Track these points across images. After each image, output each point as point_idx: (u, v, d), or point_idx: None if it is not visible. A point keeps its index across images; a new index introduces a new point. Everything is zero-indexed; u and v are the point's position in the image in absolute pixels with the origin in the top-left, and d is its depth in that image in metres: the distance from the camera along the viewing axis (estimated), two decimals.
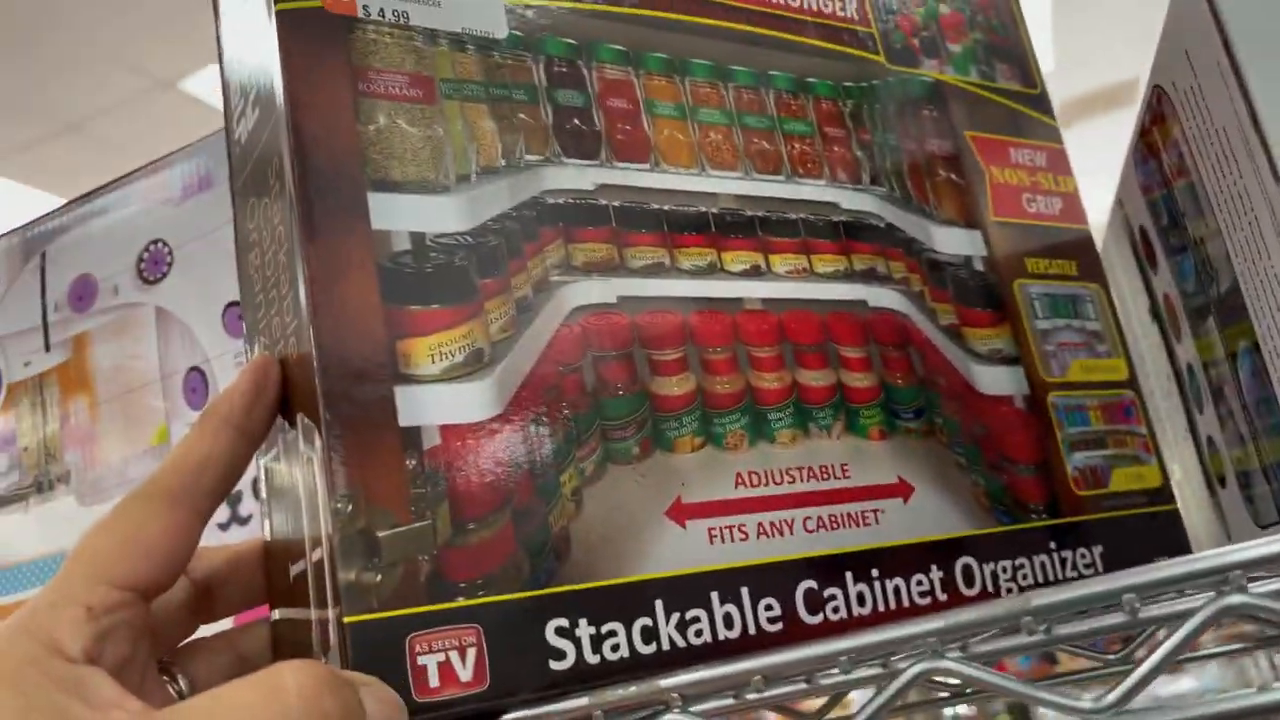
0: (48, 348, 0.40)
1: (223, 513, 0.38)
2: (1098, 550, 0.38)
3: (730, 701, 0.28)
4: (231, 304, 0.38)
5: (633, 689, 0.26)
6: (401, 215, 0.29)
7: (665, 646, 0.29)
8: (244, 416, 0.28)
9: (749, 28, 0.38)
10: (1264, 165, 0.26)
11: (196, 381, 0.38)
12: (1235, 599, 0.22)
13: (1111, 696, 0.22)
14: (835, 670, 0.26)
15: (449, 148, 0.31)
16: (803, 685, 0.28)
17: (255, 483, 0.39)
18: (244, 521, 0.37)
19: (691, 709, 0.25)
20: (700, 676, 0.25)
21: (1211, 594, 0.23)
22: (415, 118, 0.30)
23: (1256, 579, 0.23)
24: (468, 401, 0.29)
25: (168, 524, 0.26)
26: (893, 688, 0.24)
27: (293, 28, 0.30)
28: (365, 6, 0.30)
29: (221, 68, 0.34)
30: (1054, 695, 0.22)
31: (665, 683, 0.25)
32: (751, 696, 0.28)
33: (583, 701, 0.26)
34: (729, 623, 0.30)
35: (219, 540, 0.39)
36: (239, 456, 0.28)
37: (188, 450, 0.28)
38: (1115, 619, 0.27)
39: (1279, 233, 0.27)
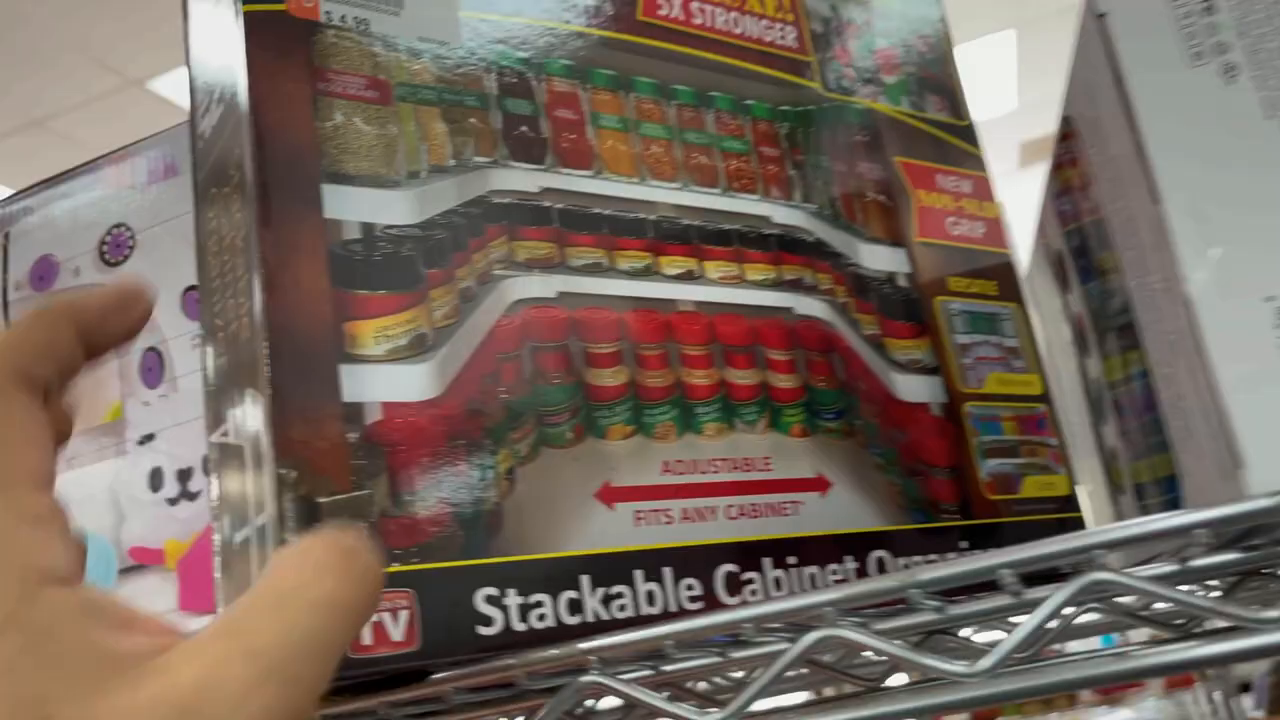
0: (7, 325, 0.42)
1: (173, 488, 0.39)
2: None
3: (649, 672, 0.30)
4: (190, 288, 0.40)
5: (553, 652, 0.27)
6: (353, 206, 0.31)
7: (590, 619, 0.31)
8: (96, 319, 0.23)
9: (692, 51, 0.40)
10: (1147, 187, 0.29)
11: (153, 361, 0.40)
12: (1098, 575, 0.24)
13: (985, 662, 0.25)
14: (745, 640, 0.28)
15: (402, 146, 0.33)
16: (716, 658, 0.31)
17: (205, 459, 0.41)
18: (193, 497, 0.39)
19: (609, 672, 0.27)
20: (616, 640, 0.27)
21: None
22: (371, 117, 0.32)
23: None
24: (409, 382, 0.30)
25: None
26: (793, 651, 0.26)
27: (257, 29, 0.32)
28: (327, 12, 0.33)
29: (189, 65, 0.36)
30: (931, 659, 0.24)
31: (584, 646, 0.27)
32: (668, 668, 0.30)
33: (507, 663, 0.28)
34: (651, 599, 0.32)
35: (170, 515, 0.40)
36: (71, 353, 0.23)
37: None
38: (1004, 600, 0.29)
39: (1160, 256, 0.30)
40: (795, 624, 0.28)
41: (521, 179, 0.35)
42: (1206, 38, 0.27)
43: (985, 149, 0.49)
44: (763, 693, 0.27)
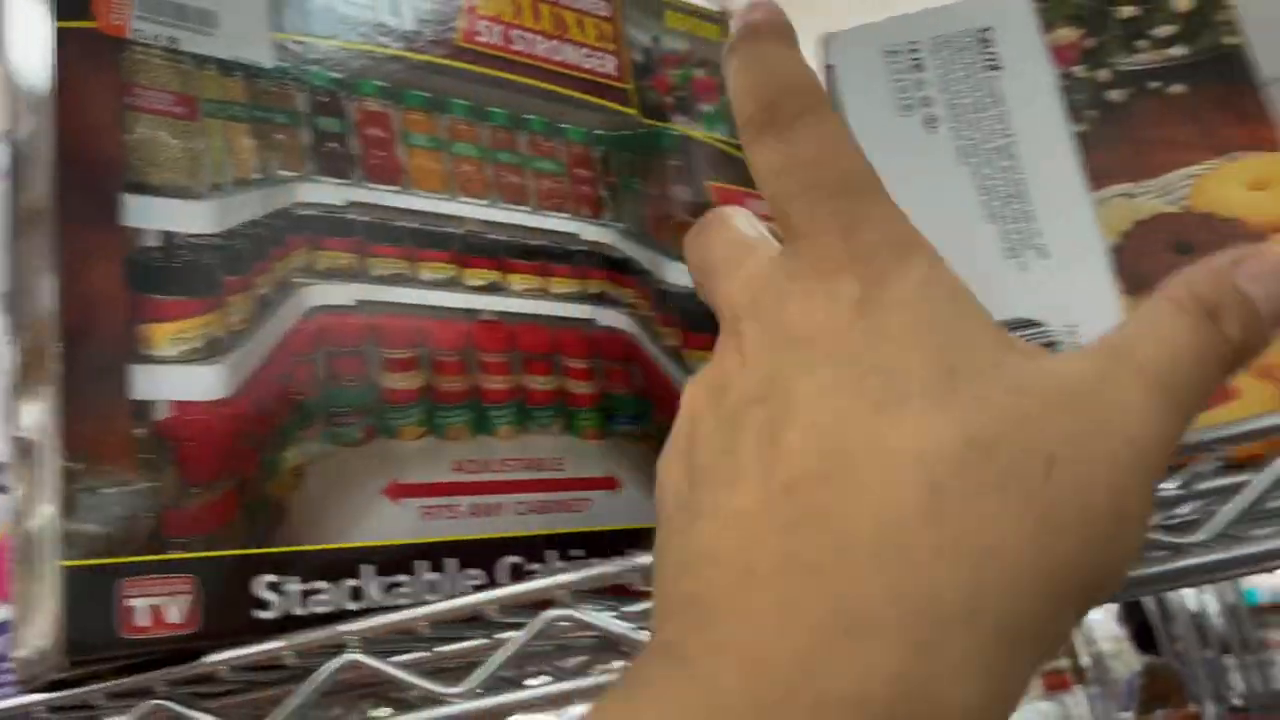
0: None
1: None
2: None
3: (425, 654, 0.33)
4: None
5: (316, 633, 0.30)
6: (154, 216, 0.33)
7: (371, 605, 0.33)
8: None
9: (510, 76, 0.43)
10: None
11: None
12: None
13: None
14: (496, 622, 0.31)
15: (207, 160, 0.35)
16: (484, 640, 0.33)
17: None
18: (4, 490, 0.40)
19: (369, 651, 0.30)
20: (373, 622, 0.30)
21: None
22: (176, 131, 0.34)
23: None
24: (200, 382, 0.32)
25: None
26: (530, 629, 0.28)
27: (68, 44, 0.33)
28: (137, 30, 0.34)
29: (6, 71, 0.37)
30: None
31: (343, 628, 0.30)
32: (444, 649, 0.33)
33: (276, 644, 0.30)
34: (434, 587, 0.35)
35: None
36: None
37: None
38: None
39: None
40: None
41: (328, 192, 0.37)
42: (915, 91, 0.31)
43: None
44: (502, 668, 0.29)
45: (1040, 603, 0.17)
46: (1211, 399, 0.20)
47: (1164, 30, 0.33)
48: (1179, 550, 0.25)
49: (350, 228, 0.37)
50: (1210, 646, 2.32)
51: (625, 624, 0.28)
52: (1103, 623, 3.41)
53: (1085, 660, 3.10)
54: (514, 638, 0.28)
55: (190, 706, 0.30)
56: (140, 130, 0.34)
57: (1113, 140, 0.33)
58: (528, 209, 0.42)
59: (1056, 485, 0.17)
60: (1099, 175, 0.33)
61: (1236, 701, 2.14)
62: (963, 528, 0.16)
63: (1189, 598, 2.28)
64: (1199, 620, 2.31)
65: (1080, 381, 0.18)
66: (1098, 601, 0.18)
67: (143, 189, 0.33)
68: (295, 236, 0.36)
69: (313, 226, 0.36)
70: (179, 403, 0.32)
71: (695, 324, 0.45)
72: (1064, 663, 3.08)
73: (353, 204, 0.37)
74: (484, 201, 0.41)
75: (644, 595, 0.32)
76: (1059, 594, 0.17)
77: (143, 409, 0.31)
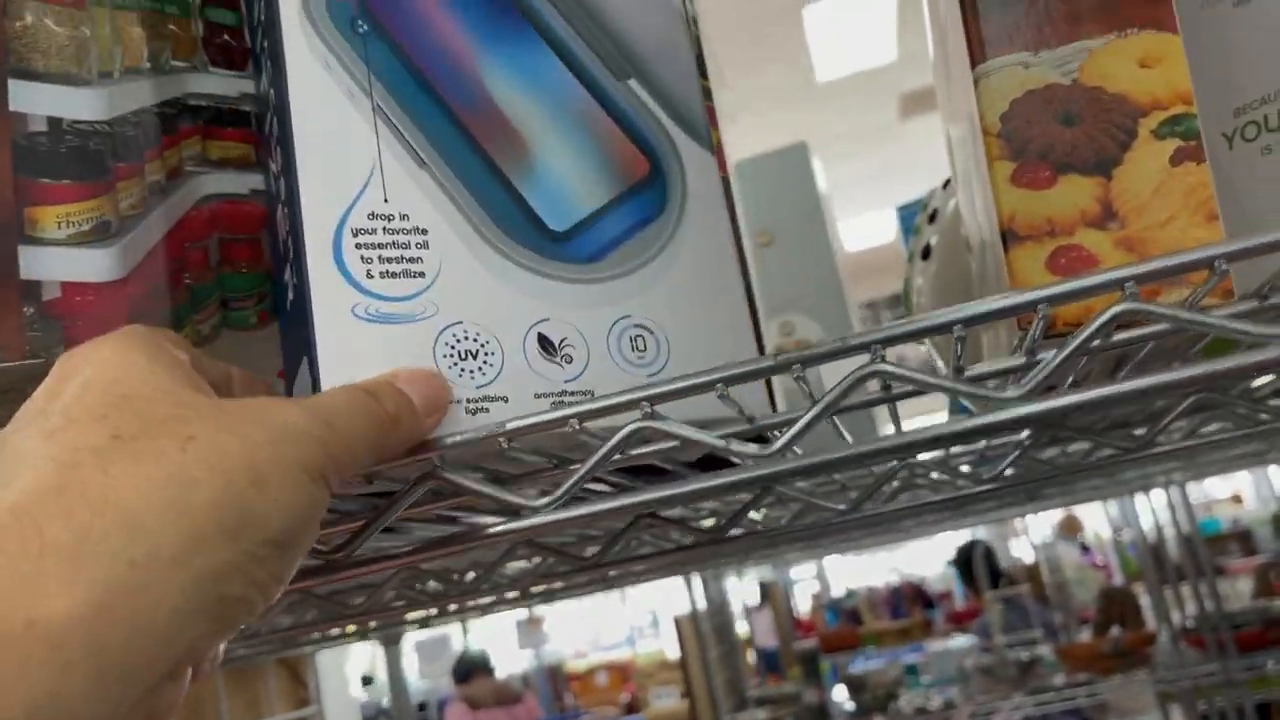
0: None
1: None
2: None
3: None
4: None
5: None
6: (40, 101, 0.33)
7: None
8: None
9: None
10: None
11: None
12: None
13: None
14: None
15: (94, 47, 0.35)
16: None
17: None
18: None
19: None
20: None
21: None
22: (63, 19, 0.34)
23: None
24: (90, 264, 0.33)
25: None
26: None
27: None
28: None
29: None
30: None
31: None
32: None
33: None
34: None
35: None
36: None
37: None
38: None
39: None
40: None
41: (220, 84, 0.37)
42: None
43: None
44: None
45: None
46: None
47: None
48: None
49: (244, 119, 0.38)
50: (1166, 573, 2.37)
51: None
52: (1068, 553, 3.49)
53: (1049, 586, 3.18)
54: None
55: None
56: (26, 17, 0.34)
57: (1015, 7, 0.34)
58: None
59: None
60: (995, 42, 0.34)
61: (1189, 624, 2.21)
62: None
63: (1148, 528, 2.33)
64: (1156, 548, 2.36)
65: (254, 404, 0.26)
66: (277, 545, 0.24)
67: (26, 75, 0.33)
68: (188, 125, 0.36)
69: (205, 116, 0.37)
70: (68, 284, 0.33)
71: None
72: (1025, 587, 3.18)
73: (245, 95, 0.38)
74: None
75: None
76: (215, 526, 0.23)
77: (31, 289, 0.32)
